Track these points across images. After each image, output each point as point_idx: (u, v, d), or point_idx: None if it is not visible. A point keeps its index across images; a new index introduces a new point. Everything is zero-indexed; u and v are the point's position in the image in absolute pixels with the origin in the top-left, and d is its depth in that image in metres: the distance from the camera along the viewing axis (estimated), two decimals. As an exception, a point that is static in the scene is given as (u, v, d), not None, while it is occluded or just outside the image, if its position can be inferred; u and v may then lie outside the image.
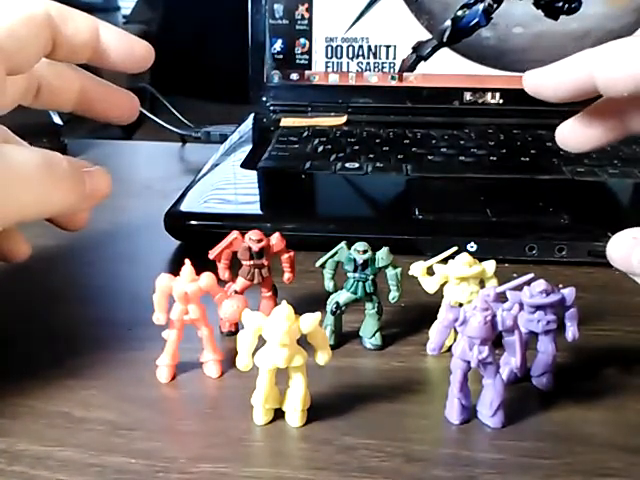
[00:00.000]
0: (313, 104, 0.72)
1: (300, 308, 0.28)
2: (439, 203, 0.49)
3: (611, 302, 0.39)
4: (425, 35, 0.70)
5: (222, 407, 0.30)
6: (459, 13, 0.69)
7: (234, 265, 0.36)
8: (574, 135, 0.32)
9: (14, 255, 0.37)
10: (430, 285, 0.34)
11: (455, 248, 0.34)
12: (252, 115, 0.71)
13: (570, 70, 0.30)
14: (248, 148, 0.61)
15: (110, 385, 0.32)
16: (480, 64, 0.70)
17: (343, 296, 0.34)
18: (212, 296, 0.32)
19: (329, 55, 0.71)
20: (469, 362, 0.28)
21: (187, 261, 0.31)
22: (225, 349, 0.33)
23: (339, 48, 0.71)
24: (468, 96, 0.70)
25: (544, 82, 0.31)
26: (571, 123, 0.32)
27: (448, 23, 0.69)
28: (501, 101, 0.70)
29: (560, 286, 0.31)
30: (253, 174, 0.54)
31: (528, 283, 0.31)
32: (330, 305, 0.34)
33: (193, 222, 0.46)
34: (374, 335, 0.35)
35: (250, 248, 0.34)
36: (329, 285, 0.35)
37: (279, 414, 0.29)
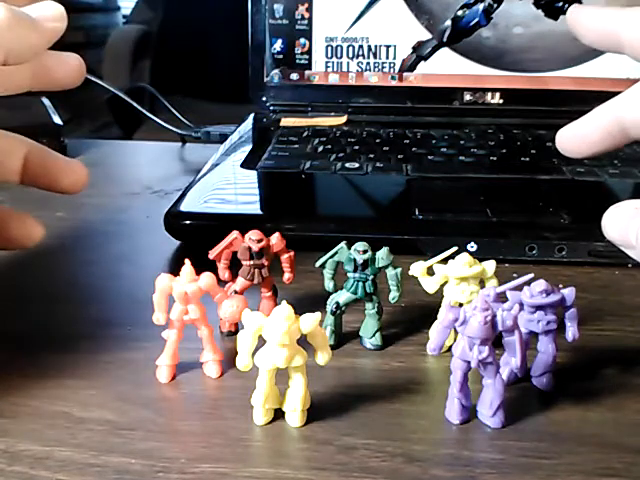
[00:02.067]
0: (313, 104, 0.72)
1: (300, 308, 0.28)
2: (439, 203, 0.49)
3: (611, 302, 0.39)
4: (425, 35, 0.70)
5: (222, 407, 0.30)
6: (459, 13, 0.69)
7: (234, 265, 0.36)
8: (574, 140, 0.32)
9: (28, 239, 0.36)
10: (430, 285, 0.34)
11: (455, 248, 0.34)
12: (252, 115, 0.71)
13: (597, 120, 0.30)
14: (248, 148, 0.61)
15: (110, 385, 0.32)
16: (480, 64, 0.70)
17: (343, 296, 0.34)
18: (212, 296, 0.32)
19: (329, 55, 0.71)
20: (469, 362, 0.28)
21: (187, 261, 0.31)
22: (225, 349, 0.33)
23: (339, 48, 0.71)
24: (468, 96, 0.70)
25: (573, 137, 0.31)
26: (571, 128, 0.32)
27: (448, 23, 0.69)
28: (501, 101, 0.70)
29: (560, 286, 0.31)
30: (253, 174, 0.54)
31: (528, 283, 0.31)
32: (330, 305, 0.34)
33: (193, 222, 0.46)
34: (374, 335, 0.35)
35: (250, 248, 0.34)
36: (329, 285, 0.35)
37: (279, 414, 0.29)
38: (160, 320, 0.32)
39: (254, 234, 0.34)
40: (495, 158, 0.57)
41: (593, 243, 0.43)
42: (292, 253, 0.36)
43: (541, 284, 0.30)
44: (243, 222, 0.43)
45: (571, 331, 0.31)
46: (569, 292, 0.31)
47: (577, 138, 0.32)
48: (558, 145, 0.32)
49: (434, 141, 0.62)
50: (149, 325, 0.32)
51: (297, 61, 0.72)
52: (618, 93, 0.29)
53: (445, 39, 0.69)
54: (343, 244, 0.34)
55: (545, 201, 0.48)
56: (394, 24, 0.70)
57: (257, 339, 0.28)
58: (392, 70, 0.71)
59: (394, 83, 0.71)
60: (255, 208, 0.50)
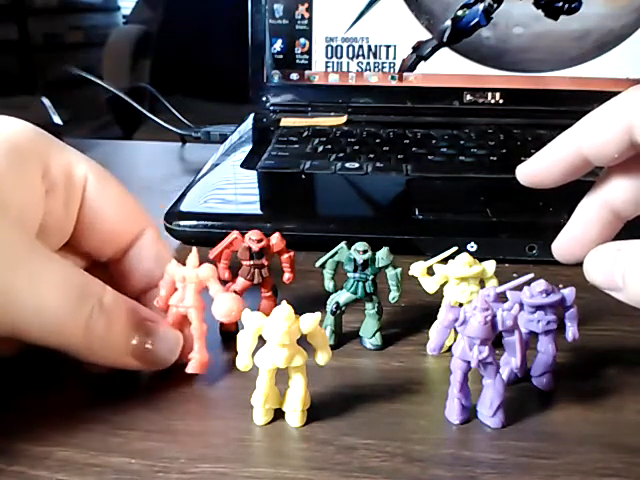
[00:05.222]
0: (313, 104, 0.72)
1: (300, 308, 0.28)
2: (439, 203, 0.49)
3: (611, 302, 0.39)
4: (425, 35, 0.70)
5: (222, 407, 0.30)
6: (459, 13, 0.69)
7: (234, 265, 0.36)
8: (570, 246, 0.31)
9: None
10: (430, 285, 0.34)
11: (455, 248, 0.34)
12: (252, 115, 0.71)
13: (558, 151, 0.29)
14: (248, 148, 0.61)
15: (109, 384, 0.31)
16: (480, 64, 0.70)
17: (343, 296, 0.34)
18: (208, 289, 0.31)
19: (329, 55, 0.71)
20: (469, 362, 0.28)
21: (194, 248, 0.31)
22: (225, 349, 0.33)
23: (339, 48, 0.71)
24: (468, 96, 0.70)
25: (536, 171, 0.30)
26: (563, 236, 0.31)
27: (448, 23, 0.69)
28: (501, 101, 0.70)
29: (560, 286, 0.31)
30: (253, 174, 0.54)
31: (528, 283, 0.31)
32: (330, 305, 0.34)
33: (193, 222, 0.46)
34: (374, 335, 0.34)
35: (250, 248, 0.34)
36: (329, 285, 0.35)
37: (279, 414, 0.29)
38: (159, 302, 0.31)
39: (254, 234, 0.34)
40: (495, 158, 0.57)
41: (593, 243, 0.43)
42: (292, 253, 0.36)
43: (541, 284, 0.30)
44: (243, 222, 0.43)
45: (571, 331, 0.31)
46: (569, 292, 0.31)
47: (539, 172, 0.30)
48: (520, 180, 0.31)
49: (434, 141, 0.62)
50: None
51: (297, 61, 0.72)
52: (618, 93, 0.29)
53: (445, 39, 0.69)
54: (343, 244, 0.34)
55: (545, 201, 0.48)
56: (394, 24, 0.70)
57: (257, 339, 0.28)
58: (392, 70, 0.71)
59: (394, 83, 0.71)
60: (255, 208, 0.50)
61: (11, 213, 0.28)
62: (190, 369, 0.31)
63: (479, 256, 0.34)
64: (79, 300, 0.28)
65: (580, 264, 0.43)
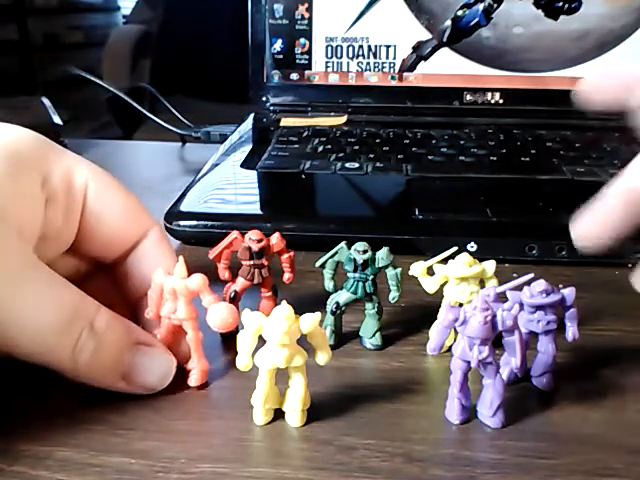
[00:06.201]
0: (313, 104, 0.72)
1: (300, 308, 0.28)
2: (439, 203, 0.49)
3: (611, 302, 0.39)
4: (425, 35, 0.70)
5: (222, 407, 0.30)
6: (459, 13, 0.69)
7: (234, 265, 0.36)
8: (592, 227, 0.31)
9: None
10: (430, 285, 0.34)
11: (455, 248, 0.34)
12: (252, 115, 0.71)
13: (611, 201, 0.29)
14: (248, 148, 0.61)
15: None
16: (480, 64, 0.70)
17: (343, 296, 0.34)
18: (200, 299, 0.30)
19: (329, 55, 0.71)
20: (469, 362, 0.28)
21: (180, 258, 0.31)
22: (224, 349, 0.33)
23: (339, 48, 0.71)
24: (468, 96, 0.71)
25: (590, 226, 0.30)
26: (586, 217, 0.31)
27: (448, 23, 0.69)
28: (501, 101, 0.70)
29: (560, 286, 0.31)
30: (253, 174, 0.54)
31: (528, 283, 0.31)
32: (330, 305, 0.34)
33: (193, 222, 0.46)
34: (374, 335, 0.35)
35: (250, 248, 0.34)
36: (329, 285, 0.35)
37: (279, 414, 0.29)
38: (150, 314, 0.31)
39: (254, 234, 0.34)
40: (495, 158, 0.57)
41: (593, 243, 0.43)
42: (292, 253, 0.36)
43: (541, 284, 0.30)
44: (243, 222, 0.43)
45: (571, 331, 0.31)
46: (569, 292, 0.31)
47: (595, 225, 0.30)
48: (576, 238, 0.31)
49: (434, 141, 0.62)
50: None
51: (297, 61, 0.72)
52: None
53: (445, 39, 0.69)
54: (343, 244, 0.34)
55: (545, 201, 0.48)
56: (394, 24, 0.70)
57: (257, 339, 0.28)
58: (392, 70, 0.71)
59: (394, 83, 0.71)
60: (255, 208, 0.50)
61: (9, 223, 0.28)
62: (193, 382, 0.31)
63: (479, 256, 0.34)
64: (70, 322, 0.28)
65: (580, 263, 0.43)
